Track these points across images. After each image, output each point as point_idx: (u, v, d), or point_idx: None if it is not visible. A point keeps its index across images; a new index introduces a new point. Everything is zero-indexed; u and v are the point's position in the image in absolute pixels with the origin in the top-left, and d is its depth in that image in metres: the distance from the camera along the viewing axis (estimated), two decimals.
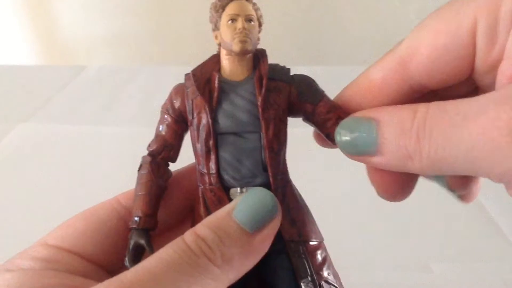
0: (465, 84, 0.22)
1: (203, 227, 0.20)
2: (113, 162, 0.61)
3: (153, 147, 0.25)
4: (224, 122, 0.22)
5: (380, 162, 0.21)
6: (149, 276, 0.18)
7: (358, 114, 0.21)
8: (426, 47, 0.21)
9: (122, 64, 1.13)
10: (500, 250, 0.45)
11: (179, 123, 0.24)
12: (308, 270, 0.23)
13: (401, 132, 0.20)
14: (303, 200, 0.24)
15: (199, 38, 1.15)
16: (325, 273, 0.23)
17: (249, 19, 0.22)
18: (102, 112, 0.78)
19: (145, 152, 0.25)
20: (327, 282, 0.23)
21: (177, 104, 0.24)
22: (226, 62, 0.23)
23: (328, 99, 0.24)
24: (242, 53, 0.22)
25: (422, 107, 0.20)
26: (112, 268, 0.24)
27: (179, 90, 0.24)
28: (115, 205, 0.25)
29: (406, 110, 0.20)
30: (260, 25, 0.23)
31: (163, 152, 0.24)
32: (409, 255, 0.43)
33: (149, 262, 0.19)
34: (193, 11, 1.13)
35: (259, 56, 0.23)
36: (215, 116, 0.22)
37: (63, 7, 1.15)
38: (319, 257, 0.23)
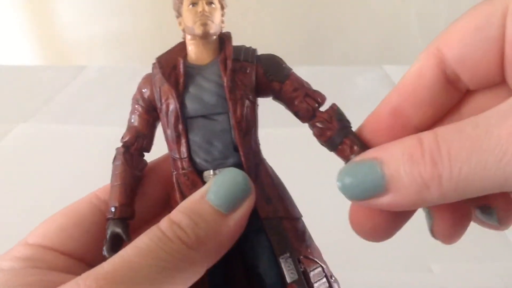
0: (502, 91, 0.22)
1: (177, 212, 0.20)
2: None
3: (126, 138, 0.25)
4: (191, 105, 0.23)
5: (393, 201, 0.19)
6: (125, 266, 0.18)
7: (357, 159, 0.20)
8: (459, 30, 0.21)
9: (122, 64, 1.13)
10: (500, 250, 0.45)
11: (150, 112, 0.24)
12: (286, 246, 0.23)
13: (410, 162, 0.18)
14: (278, 178, 0.24)
15: None
16: (304, 248, 0.23)
17: (209, 2, 0.23)
18: (102, 112, 0.78)
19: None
20: (306, 257, 0.23)
21: (146, 93, 0.24)
22: (191, 47, 0.24)
23: (296, 76, 0.24)
24: (205, 35, 0.23)
25: (426, 134, 0.19)
26: (94, 262, 0.23)
27: (147, 79, 0.24)
28: (94, 200, 0.25)
29: (409, 140, 0.19)
30: (222, 8, 0.23)
31: (136, 142, 0.25)
32: (409, 255, 0.43)
33: (126, 252, 0.19)
34: None
35: (224, 39, 0.24)
36: (182, 101, 0.23)
37: (63, 7, 1.15)
38: (297, 233, 0.23)
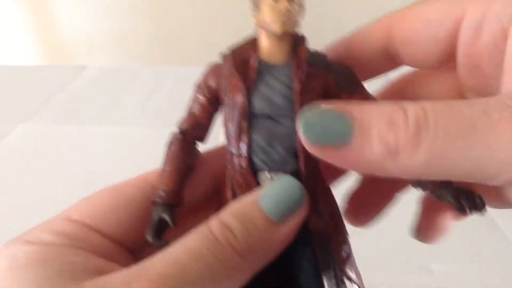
0: (443, 79, 0.23)
1: (229, 215, 0.20)
2: (114, 162, 0.61)
3: (185, 126, 0.24)
4: (259, 104, 0.22)
5: (346, 159, 0.18)
6: (178, 269, 0.18)
7: (330, 106, 0.19)
8: (413, 16, 0.22)
9: (123, 64, 1.13)
10: (500, 250, 0.45)
11: (212, 103, 0.24)
12: (331, 264, 0.22)
13: (389, 125, 0.17)
14: (332, 194, 0.24)
15: (199, 39, 1.15)
16: (348, 270, 0.23)
17: (291, 0, 0.22)
18: (102, 112, 0.78)
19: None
20: (349, 279, 0.23)
21: (211, 84, 0.23)
22: (264, 44, 0.23)
23: (364, 89, 0.23)
24: (283, 34, 0.22)
25: (409, 103, 0.18)
26: (134, 248, 0.23)
27: (214, 69, 0.24)
28: (142, 184, 0.24)
29: (389, 105, 0.18)
30: (300, 6, 0.22)
31: (194, 131, 0.24)
32: (409, 255, 0.43)
33: (176, 252, 0.18)
34: (194, 11, 1.13)
35: (298, 41, 0.23)
36: (250, 97, 0.22)
37: (63, 7, 1.15)
38: (343, 253, 0.23)
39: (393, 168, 0.18)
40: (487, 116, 0.16)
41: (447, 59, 0.22)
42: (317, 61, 0.22)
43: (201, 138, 0.25)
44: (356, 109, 0.18)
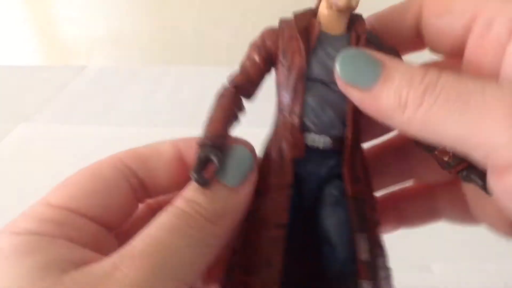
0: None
1: (190, 191, 0.21)
2: None
3: (237, 80, 0.25)
4: (316, 69, 0.23)
5: (367, 101, 0.21)
6: (156, 244, 0.19)
7: (367, 51, 0.21)
8: (441, 1, 0.24)
9: (123, 65, 1.13)
10: (500, 250, 0.45)
11: (266, 62, 0.24)
12: (365, 227, 0.23)
13: (408, 81, 0.20)
14: (367, 162, 0.25)
15: (199, 38, 1.15)
16: (377, 234, 0.24)
17: None
18: (103, 112, 0.78)
19: None
20: (378, 244, 0.24)
21: (268, 44, 0.24)
22: (325, 15, 0.23)
23: None
24: (346, 8, 0.23)
25: (433, 69, 0.20)
26: (116, 229, 0.23)
27: (271, 32, 0.24)
28: (118, 165, 0.24)
29: (416, 66, 0.20)
30: None
31: (244, 87, 0.25)
32: (409, 255, 0.43)
33: (152, 230, 0.20)
34: (194, 11, 1.13)
35: (354, 18, 0.24)
36: (308, 61, 0.23)
37: (63, 7, 1.15)
38: (374, 218, 0.24)
39: (398, 120, 0.20)
40: (482, 93, 0.18)
41: (458, 49, 0.24)
42: (372, 38, 0.23)
43: (249, 95, 0.25)
44: (388, 61, 0.21)
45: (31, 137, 0.70)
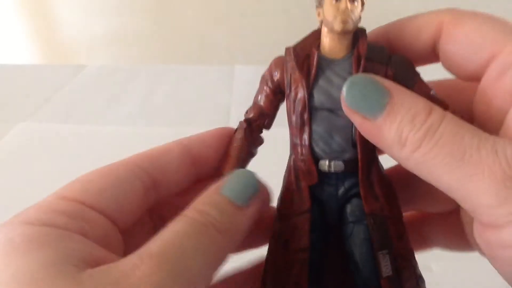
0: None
1: (201, 204, 0.22)
2: (113, 161, 0.60)
3: (250, 115, 0.26)
4: (319, 98, 0.23)
5: (369, 129, 0.21)
6: (172, 247, 0.19)
7: (376, 77, 0.22)
8: (463, 29, 0.24)
9: (122, 64, 1.13)
10: None
11: (276, 94, 0.25)
12: (386, 243, 0.24)
13: (410, 120, 0.20)
14: (387, 177, 0.25)
15: (199, 37, 1.15)
16: (401, 247, 0.24)
17: (352, 0, 0.23)
18: (102, 111, 0.78)
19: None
20: (401, 256, 0.24)
21: (276, 76, 0.25)
22: (326, 40, 0.24)
23: (423, 81, 0.24)
24: (343, 32, 0.23)
25: (438, 110, 0.20)
26: (125, 229, 0.23)
27: (279, 62, 0.25)
28: (131, 166, 0.24)
29: (422, 102, 0.21)
30: (362, 4, 0.23)
31: (258, 119, 0.26)
32: None
33: (167, 235, 0.20)
34: (193, 10, 1.13)
35: (358, 34, 0.24)
36: (311, 92, 0.23)
37: (62, 6, 1.15)
38: (397, 232, 0.24)
39: (397, 155, 0.21)
40: (477, 150, 0.19)
41: (471, 78, 0.24)
42: (376, 55, 0.23)
43: (266, 126, 0.26)
44: (396, 92, 0.21)
45: (30, 137, 0.70)
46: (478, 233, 0.21)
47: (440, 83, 0.26)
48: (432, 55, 0.25)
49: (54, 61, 1.22)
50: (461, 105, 0.24)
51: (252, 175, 0.24)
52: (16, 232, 0.19)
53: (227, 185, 0.23)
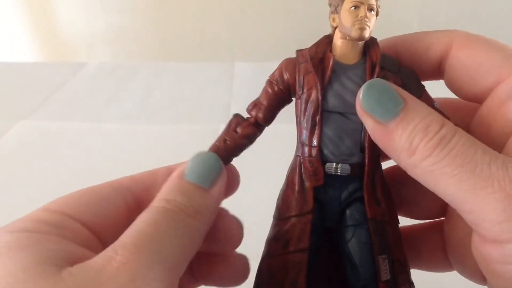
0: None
1: (168, 193, 0.23)
2: (114, 159, 0.61)
3: (251, 111, 0.26)
4: (332, 101, 0.24)
5: (380, 133, 0.22)
6: (145, 236, 0.20)
7: (393, 85, 0.22)
8: (471, 51, 0.24)
9: (122, 61, 1.13)
10: None
11: (284, 94, 0.25)
12: (385, 248, 0.24)
13: (423, 129, 0.21)
14: (387, 184, 0.26)
15: (199, 35, 1.15)
16: (398, 252, 0.25)
17: (370, 9, 0.23)
18: (102, 109, 0.77)
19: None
20: (398, 261, 0.25)
21: (286, 77, 0.25)
22: (339, 45, 0.24)
23: (428, 94, 0.25)
24: (360, 39, 0.23)
25: (450, 124, 0.21)
26: (105, 241, 0.24)
27: (290, 63, 0.25)
28: (116, 185, 0.25)
29: (435, 115, 0.21)
30: (377, 14, 0.24)
31: (259, 117, 0.26)
32: None
33: (139, 226, 0.21)
34: (193, 8, 1.12)
35: (369, 43, 0.24)
36: (324, 94, 0.24)
37: (62, 3, 1.15)
38: (395, 237, 0.25)
39: (404, 161, 0.21)
40: (488, 166, 0.20)
41: (473, 99, 0.25)
42: (388, 64, 0.24)
43: (262, 119, 0.26)
44: (411, 101, 0.22)
45: (31, 134, 0.70)
46: (477, 247, 0.22)
47: (438, 100, 0.26)
48: (436, 72, 0.26)
49: (55, 59, 1.22)
50: (458, 122, 0.25)
51: (213, 156, 0.24)
52: (1, 239, 0.20)
53: (190, 169, 0.24)
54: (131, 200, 0.25)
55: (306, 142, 0.24)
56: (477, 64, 0.24)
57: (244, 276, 0.27)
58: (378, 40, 0.25)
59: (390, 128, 0.21)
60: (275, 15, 1.09)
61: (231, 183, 0.26)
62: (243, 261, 0.28)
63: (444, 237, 0.27)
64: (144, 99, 0.81)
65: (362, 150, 0.24)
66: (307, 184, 0.24)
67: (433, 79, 0.26)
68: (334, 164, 0.24)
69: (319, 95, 0.24)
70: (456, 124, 0.24)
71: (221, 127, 0.25)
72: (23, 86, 0.88)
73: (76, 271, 0.18)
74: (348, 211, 0.25)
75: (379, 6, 0.24)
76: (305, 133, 0.24)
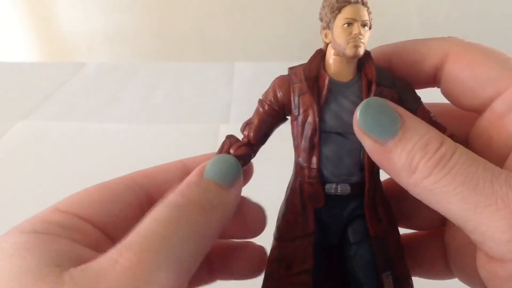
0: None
1: (183, 186, 0.22)
2: (113, 159, 0.60)
3: (244, 131, 0.25)
4: (330, 121, 0.23)
5: (379, 153, 0.21)
6: (153, 236, 0.19)
7: (390, 103, 0.22)
8: (469, 61, 0.24)
9: (122, 61, 1.13)
10: None
11: (278, 113, 0.25)
12: (389, 265, 0.24)
13: (422, 147, 0.20)
14: (388, 201, 0.25)
15: (199, 35, 1.15)
16: (401, 266, 0.25)
17: (364, 25, 0.23)
18: (102, 109, 0.77)
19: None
20: (402, 275, 0.25)
21: (280, 96, 0.24)
22: (332, 62, 0.24)
23: (424, 106, 0.24)
24: (354, 57, 0.23)
25: (449, 141, 0.20)
26: (116, 240, 0.23)
27: (283, 82, 0.24)
28: (129, 182, 0.25)
29: (433, 132, 0.21)
30: (370, 28, 0.23)
31: (252, 138, 0.25)
32: None
33: (148, 224, 0.20)
34: (193, 8, 1.12)
35: (363, 58, 0.23)
36: (322, 115, 0.23)
37: (62, 3, 1.15)
38: (398, 252, 0.25)
39: (404, 180, 0.21)
40: (491, 183, 0.19)
41: (470, 109, 0.24)
42: (383, 79, 0.23)
43: (253, 139, 0.25)
44: (409, 119, 0.21)
45: (31, 134, 0.70)
46: (483, 264, 0.21)
47: (435, 105, 0.26)
48: (432, 82, 0.25)
49: (54, 58, 1.22)
50: (456, 131, 0.24)
51: (233, 159, 0.24)
52: (8, 241, 0.20)
53: (209, 170, 0.23)
54: (143, 197, 0.24)
55: (305, 164, 0.24)
56: (475, 76, 0.23)
57: (261, 268, 0.27)
58: (373, 43, 0.24)
59: (388, 147, 0.21)
60: (275, 15, 1.09)
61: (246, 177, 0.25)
62: (261, 252, 0.27)
63: (444, 245, 0.27)
64: (144, 99, 0.81)
65: (361, 169, 0.24)
66: (307, 206, 0.24)
67: (428, 87, 0.26)
68: (334, 184, 0.24)
69: (316, 116, 0.23)
70: (453, 133, 0.23)
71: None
72: (23, 86, 0.88)
73: (77, 274, 0.18)
74: (350, 229, 0.25)
75: (371, 19, 0.23)
76: (303, 155, 0.24)
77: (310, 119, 0.23)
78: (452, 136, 0.23)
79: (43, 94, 0.83)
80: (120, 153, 0.62)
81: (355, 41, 0.22)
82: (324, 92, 0.23)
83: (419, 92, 0.25)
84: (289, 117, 0.25)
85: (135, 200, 0.24)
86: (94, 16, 1.15)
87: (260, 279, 0.26)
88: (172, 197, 0.21)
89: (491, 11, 1.07)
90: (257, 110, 0.25)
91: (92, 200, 0.23)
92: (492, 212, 0.19)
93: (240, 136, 0.26)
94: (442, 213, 0.21)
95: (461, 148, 0.20)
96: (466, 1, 1.08)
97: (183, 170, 0.26)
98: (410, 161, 0.20)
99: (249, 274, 0.27)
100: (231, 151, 0.25)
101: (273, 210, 0.26)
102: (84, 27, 1.17)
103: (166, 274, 0.18)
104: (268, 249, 0.26)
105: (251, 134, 0.25)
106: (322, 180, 0.24)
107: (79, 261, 0.19)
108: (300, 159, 0.24)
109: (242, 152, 0.25)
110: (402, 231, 0.28)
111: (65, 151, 0.65)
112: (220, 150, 0.25)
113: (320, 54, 0.24)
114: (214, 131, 0.62)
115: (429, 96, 0.26)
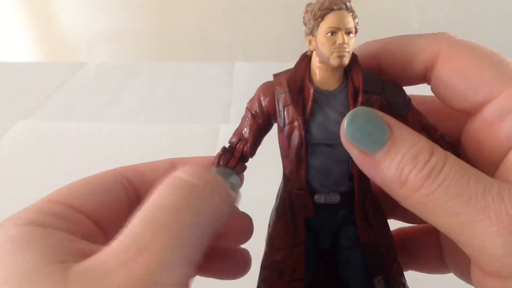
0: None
1: (183, 173, 0.21)
2: (113, 158, 0.60)
3: (232, 141, 0.25)
4: (316, 133, 0.23)
5: (367, 164, 0.21)
6: (163, 229, 0.18)
7: (379, 113, 0.21)
8: (460, 63, 0.23)
9: (122, 61, 1.13)
10: None
11: (263, 122, 0.24)
12: (380, 269, 0.24)
13: (411, 159, 0.19)
14: (380, 204, 0.25)
15: (199, 34, 1.15)
16: (393, 269, 0.25)
17: (348, 32, 0.22)
18: (102, 109, 0.77)
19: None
20: (395, 278, 0.24)
21: (265, 105, 0.24)
22: (318, 71, 0.23)
23: (415, 108, 0.24)
24: (339, 67, 0.22)
25: (440, 150, 0.20)
26: (110, 232, 0.23)
27: (268, 90, 0.24)
28: (118, 176, 0.25)
29: (423, 142, 0.20)
30: (356, 32, 0.22)
31: (241, 147, 0.25)
32: None
33: (155, 213, 0.19)
34: (193, 7, 1.12)
35: (350, 63, 0.22)
36: (308, 128, 0.22)
37: (62, 3, 1.15)
38: (390, 256, 0.25)
39: (395, 192, 0.20)
40: (483, 196, 0.18)
41: (461, 111, 0.24)
42: (371, 85, 0.23)
43: (249, 154, 0.25)
44: (398, 129, 0.20)
45: (31, 134, 0.70)
46: (477, 278, 0.21)
47: (427, 101, 0.25)
48: (422, 79, 0.25)
49: (55, 58, 1.22)
50: (447, 127, 0.24)
51: (231, 171, 0.24)
52: (4, 233, 0.19)
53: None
54: (131, 190, 0.24)
55: (293, 175, 0.23)
56: (466, 79, 0.22)
57: (244, 270, 0.27)
58: (364, 38, 0.24)
59: (377, 159, 0.20)
60: (275, 15, 1.09)
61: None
62: (244, 255, 0.27)
63: (440, 240, 0.27)
64: (144, 99, 0.81)
65: (350, 178, 0.23)
66: (297, 216, 0.24)
67: (419, 84, 0.25)
68: (323, 194, 0.23)
69: (302, 129, 0.22)
70: (445, 133, 0.23)
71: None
72: (24, 85, 0.88)
73: (82, 272, 0.17)
74: (341, 235, 0.24)
75: (357, 24, 0.22)
76: (291, 167, 0.23)
77: (296, 132, 0.22)
78: (444, 136, 0.23)
79: (43, 94, 0.83)
80: (120, 153, 0.62)
81: (340, 51, 0.21)
82: (309, 104, 0.22)
83: (410, 87, 0.24)
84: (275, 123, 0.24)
85: (124, 192, 0.24)
86: (94, 16, 1.15)
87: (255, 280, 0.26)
88: (179, 173, 0.20)
89: (491, 11, 1.07)
90: (247, 123, 0.24)
91: (83, 191, 0.23)
92: (485, 228, 0.18)
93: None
94: (435, 226, 0.20)
95: (451, 158, 0.20)
96: (466, 1, 1.08)
97: (171, 168, 0.26)
98: (399, 173, 0.19)
99: (232, 275, 0.27)
100: (230, 167, 0.25)
101: (264, 212, 0.26)
102: (84, 27, 1.17)
103: (176, 269, 0.18)
104: (254, 254, 0.26)
105: (247, 150, 0.25)
106: (311, 191, 0.23)
107: (80, 254, 0.18)
108: (288, 170, 0.24)
109: (241, 169, 0.25)
110: (398, 224, 0.28)
111: (65, 151, 0.65)
112: (217, 164, 0.25)
113: (305, 60, 0.23)
114: (214, 131, 0.62)
115: (421, 90, 0.25)
